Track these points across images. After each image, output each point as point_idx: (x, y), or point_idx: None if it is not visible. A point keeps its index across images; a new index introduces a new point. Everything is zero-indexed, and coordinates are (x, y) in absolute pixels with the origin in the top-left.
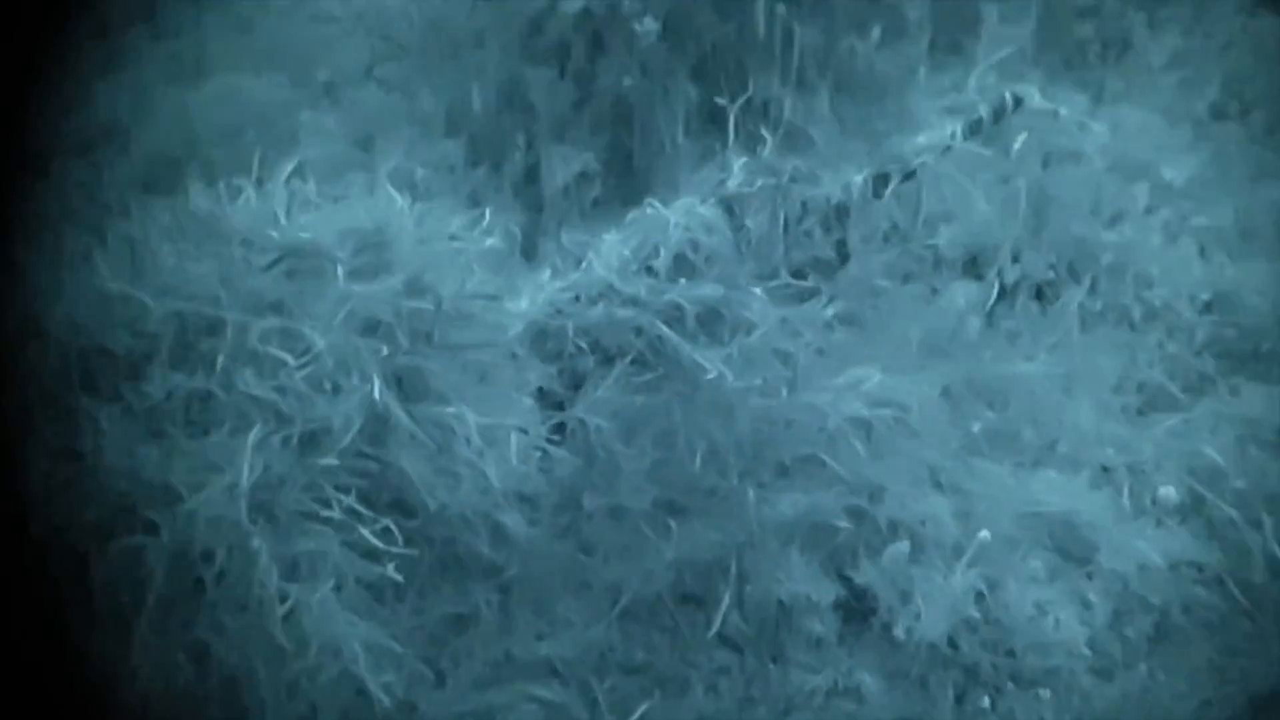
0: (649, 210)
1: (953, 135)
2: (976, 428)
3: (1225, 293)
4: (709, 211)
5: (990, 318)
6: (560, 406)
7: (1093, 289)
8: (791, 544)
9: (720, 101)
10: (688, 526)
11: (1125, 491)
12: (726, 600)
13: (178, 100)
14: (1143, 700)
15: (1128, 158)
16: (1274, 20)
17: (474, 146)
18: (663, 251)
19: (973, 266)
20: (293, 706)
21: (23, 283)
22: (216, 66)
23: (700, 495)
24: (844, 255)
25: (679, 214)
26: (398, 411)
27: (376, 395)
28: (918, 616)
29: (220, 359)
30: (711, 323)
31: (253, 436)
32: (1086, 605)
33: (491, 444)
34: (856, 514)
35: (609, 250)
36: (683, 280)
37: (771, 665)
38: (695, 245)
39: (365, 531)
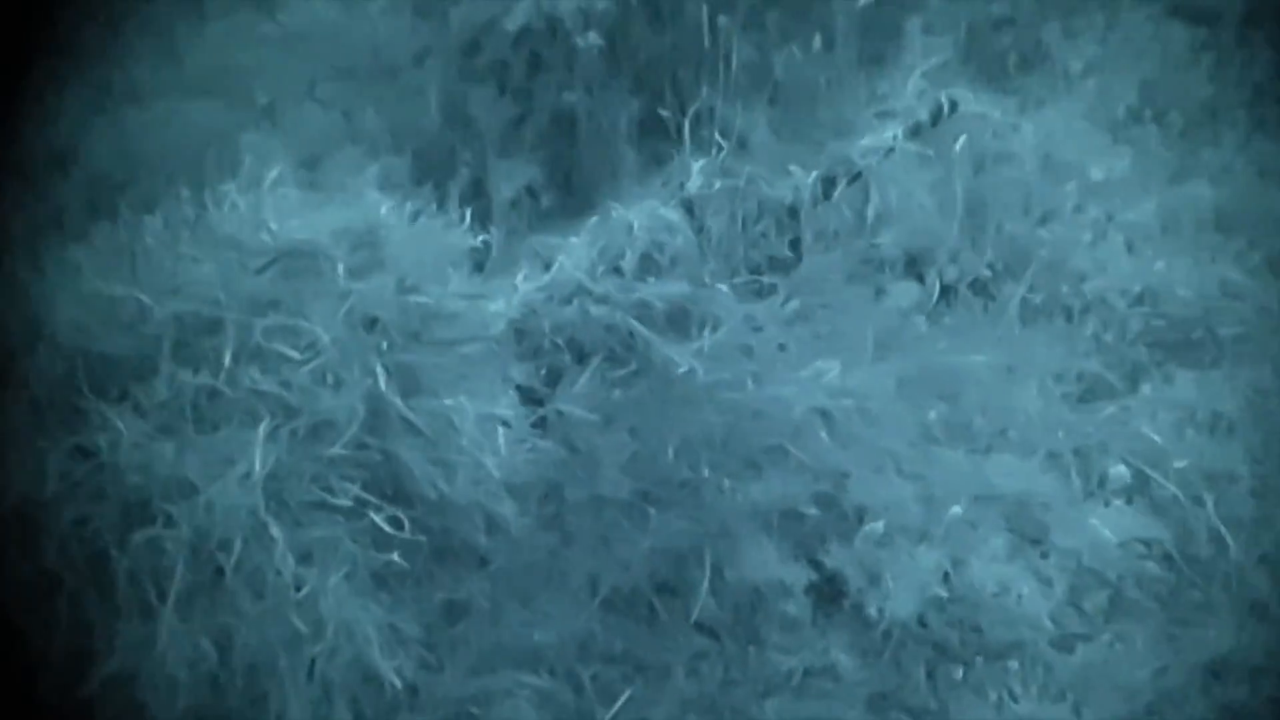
0: (613, 214)
1: (894, 138)
2: (932, 415)
3: (1153, 286)
4: (670, 213)
5: (933, 315)
6: (540, 403)
7: (1031, 285)
8: (763, 531)
9: (663, 113)
10: (663, 517)
11: (1073, 474)
12: (704, 588)
13: (117, 125)
14: (1104, 669)
15: (1055, 159)
16: (1183, 28)
17: (419, 163)
18: (629, 252)
19: (914, 266)
20: (310, 689)
21: (23, 291)
22: (152, 91)
23: (673, 487)
24: (799, 254)
25: (642, 216)
26: (398, 404)
27: (382, 387)
28: (887, 597)
29: (226, 357)
30: (680, 319)
31: (263, 429)
32: (1046, 582)
33: (486, 436)
34: (824, 501)
35: (577, 252)
36: (650, 279)
37: (749, 649)
38: (660, 246)
39: (376, 518)
